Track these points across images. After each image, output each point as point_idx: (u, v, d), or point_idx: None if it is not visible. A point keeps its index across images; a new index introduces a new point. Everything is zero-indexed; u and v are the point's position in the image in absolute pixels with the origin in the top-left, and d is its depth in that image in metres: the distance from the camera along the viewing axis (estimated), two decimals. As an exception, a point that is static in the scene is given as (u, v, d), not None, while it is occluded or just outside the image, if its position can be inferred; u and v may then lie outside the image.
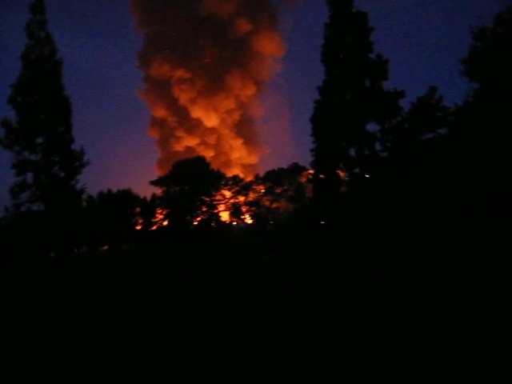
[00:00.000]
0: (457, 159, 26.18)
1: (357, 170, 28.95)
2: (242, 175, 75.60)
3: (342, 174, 30.01)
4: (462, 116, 26.01)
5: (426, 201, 24.72)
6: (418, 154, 27.70)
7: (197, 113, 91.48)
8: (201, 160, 59.62)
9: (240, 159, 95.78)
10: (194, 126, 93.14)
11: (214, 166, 63.80)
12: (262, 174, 60.74)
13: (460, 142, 25.24)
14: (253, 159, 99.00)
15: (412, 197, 25.55)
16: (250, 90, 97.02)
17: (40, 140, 28.14)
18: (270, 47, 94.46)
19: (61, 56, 29.28)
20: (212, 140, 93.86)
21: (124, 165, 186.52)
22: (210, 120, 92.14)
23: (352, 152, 28.88)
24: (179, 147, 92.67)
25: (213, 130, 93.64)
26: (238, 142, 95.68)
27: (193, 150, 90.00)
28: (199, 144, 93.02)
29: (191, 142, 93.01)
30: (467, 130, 24.78)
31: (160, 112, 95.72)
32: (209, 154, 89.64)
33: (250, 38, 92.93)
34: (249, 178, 64.92)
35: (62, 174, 28.77)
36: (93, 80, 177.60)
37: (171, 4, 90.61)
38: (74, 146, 29.28)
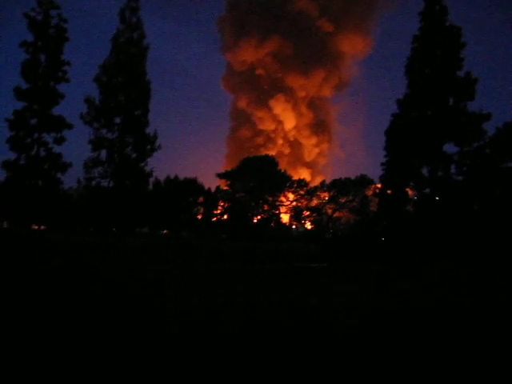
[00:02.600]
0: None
1: (427, 191, 27.71)
2: (308, 177, 75.28)
3: (410, 192, 28.92)
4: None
5: (501, 233, 23.16)
6: (496, 182, 26.09)
7: (277, 109, 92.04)
8: (269, 159, 59.73)
9: (310, 159, 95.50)
10: (271, 120, 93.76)
11: (282, 163, 63.76)
12: (328, 177, 60.19)
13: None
14: (323, 161, 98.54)
15: (486, 227, 24.03)
16: (329, 90, 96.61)
17: (117, 120, 29.36)
18: (352, 49, 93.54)
19: (148, 42, 30.36)
20: (287, 137, 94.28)
21: (194, 153, 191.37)
22: (289, 119, 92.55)
23: (424, 171, 27.69)
24: (256, 139, 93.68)
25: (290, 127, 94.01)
26: (311, 141, 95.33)
27: (266, 143, 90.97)
28: (274, 138, 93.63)
29: (266, 136, 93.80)
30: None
31: (241, 102, 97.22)
32: (284, 151, 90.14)
33: (332, 38, 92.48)
34: (315, 180, 64.38)
35: (134, 155, 29.78)
36: (176, 67, 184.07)
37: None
38: (148, 130, 30.23)
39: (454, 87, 27.40)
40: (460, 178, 26.92)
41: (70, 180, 31.29)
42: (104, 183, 29.66)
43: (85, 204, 33.74)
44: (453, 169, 27.00)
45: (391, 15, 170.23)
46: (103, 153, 29.41)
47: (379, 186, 32.81)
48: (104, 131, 29.30)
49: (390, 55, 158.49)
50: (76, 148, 32.36)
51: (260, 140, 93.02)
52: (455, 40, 27.87)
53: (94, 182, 29.38)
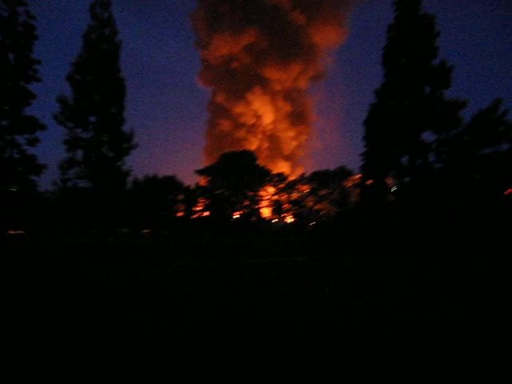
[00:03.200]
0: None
1: (407, 179, 27.86)
2: (288, 169, 75.47)
3: (389, 181, 29.05)
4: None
5: (479, 218, 23.39)
6: (474, 169, 26.35)
7: (255, 103, 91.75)
8: (248, 154, 59.56)
9: (289, 152, 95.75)
10: (250, 115, 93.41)
11: (262, 157, 63.56)
12: (308, 169, 60.55)
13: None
14: (301, 153, 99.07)
15: (464, 212, 24.26)
16: (305, 82, 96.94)
17: (92, 119, 28.75)
18: (326, 40, 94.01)
19: (120, 38, 29.73)
20: (265, 131, 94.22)
21: (171, 151, 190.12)
22: (267, 113, 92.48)
23: (404, 160, 27.82)
24: (235, 133, 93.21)
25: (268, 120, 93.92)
26: (290, 134, 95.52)
27: (246, 137, 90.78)
28: (252, 132, 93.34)
29: (245, 130, 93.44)
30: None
31: (219, 96, 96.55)
32: (263, 145, 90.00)
33: (306, 30, 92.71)
34: (295, 172, 64.50)
35: (111, 154, 29.23)
36: (150, 65, 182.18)
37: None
38: (124, 128, 29.70)
39: (430, 76, 27.52)
40: (439, 165, 27.10)
41: (46, 182, 30.63)
42: (81, 184, 29.07)
43: (62, 206, 32.99)
44: (432, 157, 27.18)
45: (368, 5, 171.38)
46: (79, 153, 28.82)
47: (358, 176, 32.90)
48: (79, 131, 28.70)
49: (368, 45, 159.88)
50: (51, 149, 31.63)
51: (239, 134, 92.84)
52: (429, 29, 27.95)
53: (70, 184, 28.71)
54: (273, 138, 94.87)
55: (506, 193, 25.73)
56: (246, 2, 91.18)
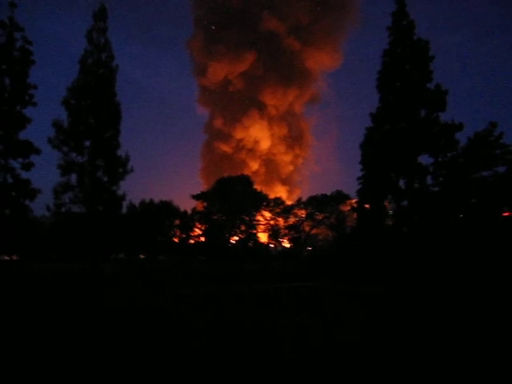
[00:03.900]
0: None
1: (405, 203, 27.66)
2: (285, 193, 75.30)
3: (387, 205, 28.84)
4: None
5: (477, 242, 23.11)
6: (471, 191, 26.21)
7: (253, 129, 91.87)
8: (244, 178, 59.46)
9: (286, 176, 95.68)
10: (248, 139, 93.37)
11: (259, 181, 63.46)
12: (305, 193, 60.39)
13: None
14: (299, 177, 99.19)
15: (462, 236, 23.99)
16: (301, 106, 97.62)
17: (87, 143, 28.52)
18: (321, 65, 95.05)
19: (117, 63, 29.79)
20: (262, 155, 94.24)
21: (168, 175, 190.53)
22: (264, 138, 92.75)
23: (401, 183, 27.66)
24: (233, 157, 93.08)
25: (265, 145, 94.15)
26: (287, 158, 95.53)
27: (242, 161, 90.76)
28: (248, 156, 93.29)
29: (242, 154, 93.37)
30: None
31: (216, 121, 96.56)
32: (260, 169, 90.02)
33: (301, 56, 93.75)
34: (292, 196, 64.31)
35: (106, 179, 28.89)
36: (145, 89, 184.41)
37: (232, 17, 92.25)
38: (119, 152, 29.43)
39: (425, 99, 27.66)
40: (436, 188, 26.96)
41: (42, 207, 30.29)
42: (75, 209, 28.62)
43: (56, 231, 32.58)
44: (429, 180, 27.06)
45: (363, 31, 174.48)
46: (73, 177, 28.47)
47: (355, 200, 32.73)
48: (73, 155, 28.37)
49: (363, 70, 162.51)
50: (46, 174, 31.41)
51: (237, 157, 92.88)
52: (423, 53, 28.21)
53: (64, 209, 28.27)
54: (270, 162, 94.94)
55: (503, 214, 25.55)
56: (242, 28, 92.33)
